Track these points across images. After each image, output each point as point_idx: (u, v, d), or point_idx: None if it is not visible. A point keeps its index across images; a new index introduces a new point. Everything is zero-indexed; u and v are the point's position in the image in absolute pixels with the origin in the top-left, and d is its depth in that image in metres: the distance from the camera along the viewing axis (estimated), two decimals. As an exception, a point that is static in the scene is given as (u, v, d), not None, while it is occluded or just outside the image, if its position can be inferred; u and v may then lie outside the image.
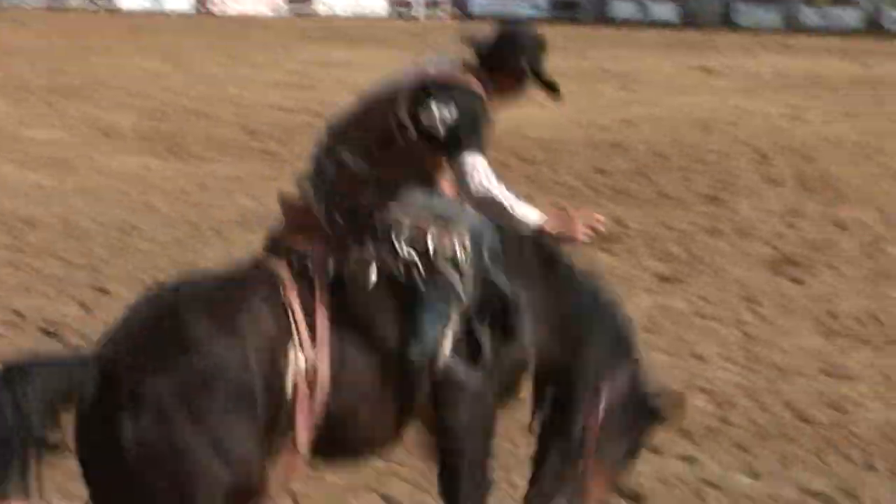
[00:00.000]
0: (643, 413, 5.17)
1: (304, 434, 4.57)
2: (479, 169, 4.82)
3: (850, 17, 40.75)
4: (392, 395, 4.80)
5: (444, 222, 4.94)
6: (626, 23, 42.72)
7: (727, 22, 42.17)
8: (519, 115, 19.78)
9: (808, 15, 41.45)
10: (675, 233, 11.76)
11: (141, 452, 4.31)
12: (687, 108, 20.96)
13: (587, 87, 23.86)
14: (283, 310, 4.64)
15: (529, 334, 4.97)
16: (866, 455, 6.69)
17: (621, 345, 5.19)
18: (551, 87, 5.08)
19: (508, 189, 4.88)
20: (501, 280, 4.93)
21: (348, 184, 4.90)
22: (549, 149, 16.47)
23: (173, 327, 4.50)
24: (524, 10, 48.14)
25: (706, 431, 6.94)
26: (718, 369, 8.06)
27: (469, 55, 5.00)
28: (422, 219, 4.92)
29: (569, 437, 5.10)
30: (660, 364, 8.05)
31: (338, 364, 4.66)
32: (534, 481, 5.18)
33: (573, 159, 15.77)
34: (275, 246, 4.95)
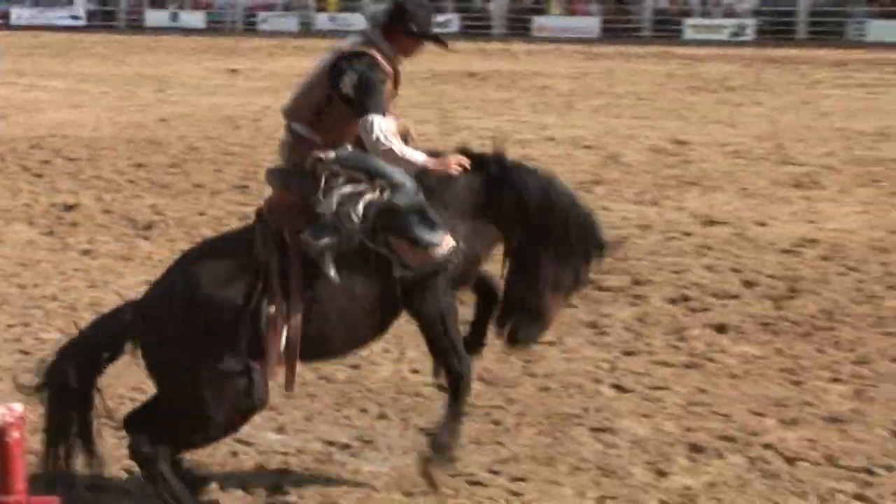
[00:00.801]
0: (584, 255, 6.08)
1: (273, 358, 5.59)
2: (376, 127, 5.56)
3: (357, 20, 41.57)
4: (360, 312, 5.83)
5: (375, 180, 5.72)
6: (159, 30, 42.18)
7: (251, 29, 42.28)
8: (61, 117, 19.11)
9: (322, 20, 42.05)
10: (208, 218, 11.77)
11: (167, 370, 5.64)
12: (217, 106, 20.93)
13: (125, 91, 23.53)
14: (262, 272, 5.65)
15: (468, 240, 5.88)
16: (380, 406, 6.90)
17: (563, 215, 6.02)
18: (438, 41, 5.96)
19: (398, 140, 5.63)
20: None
21: (301, 149, 5.74)
22: (91, 147, 16.13)
23: (185, 288, 5.66)
24: (64, 21, 46.97)
25: (240, 395, 7.01)
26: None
27: (372, 29, 5.78)
28: (358, 181, 5.73)
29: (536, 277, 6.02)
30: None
31: (308, 308, 5.66)
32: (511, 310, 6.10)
33: (114, 156, 15.49)
34: (261, 217, 5.86)
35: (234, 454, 6.21)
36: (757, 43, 35.75)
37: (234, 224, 11.40)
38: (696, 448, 6.19)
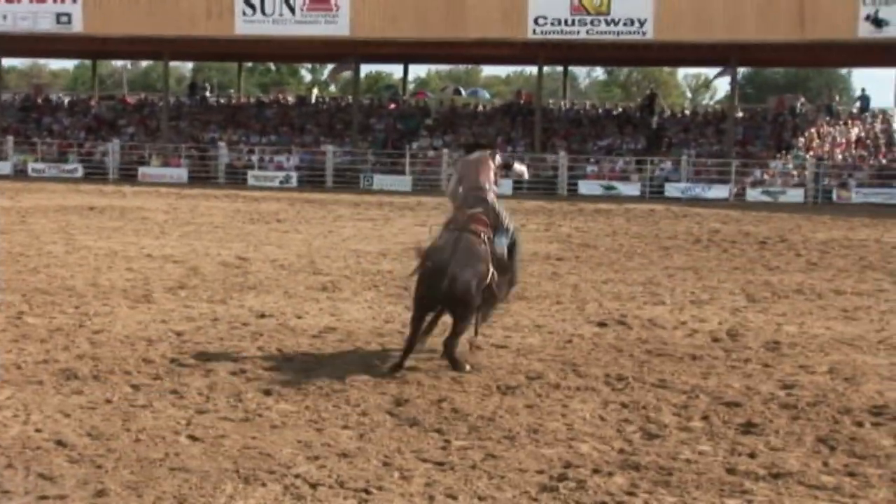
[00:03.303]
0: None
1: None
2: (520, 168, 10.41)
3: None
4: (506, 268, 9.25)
5: (504, 214, 9.32)
6: None
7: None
8: None
9: None
10: None
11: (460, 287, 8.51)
12: None
13: None
14: (486, 249, 8.87)
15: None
16: (8, 458, 6.39)
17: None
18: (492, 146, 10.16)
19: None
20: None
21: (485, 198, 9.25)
22: None
23: (463, 246, 8.70)
24: None
25: None
26: None
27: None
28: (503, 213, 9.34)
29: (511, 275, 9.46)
30: None
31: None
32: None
33: None
34: (456, 223, 9.03)
35: None
36: (299, 189, 36.27)
37: None
38: (246, 479, 6.11)
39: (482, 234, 8.91)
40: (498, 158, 9.71)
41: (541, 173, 36.52)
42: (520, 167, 10.34)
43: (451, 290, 8.41)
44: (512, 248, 9.35)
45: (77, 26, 39.38)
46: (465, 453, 6.66)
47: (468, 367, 8.81)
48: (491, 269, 8.84)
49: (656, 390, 8.40)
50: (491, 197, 9.28)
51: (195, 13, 38.23)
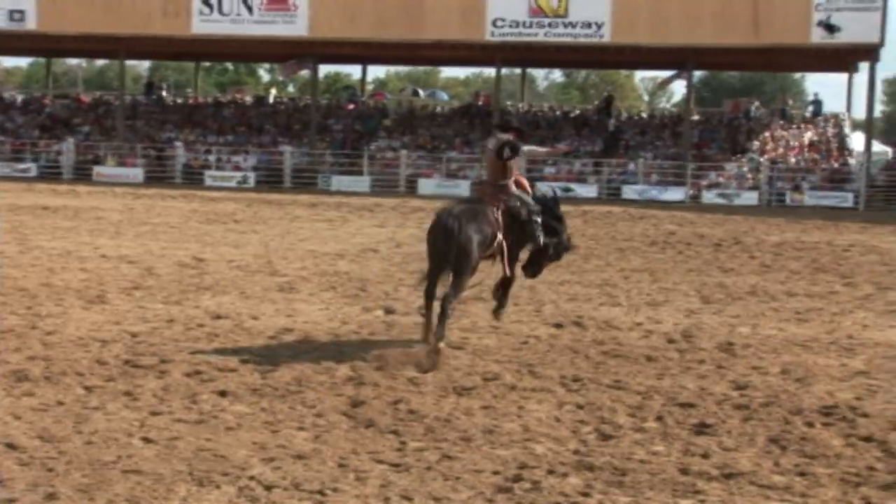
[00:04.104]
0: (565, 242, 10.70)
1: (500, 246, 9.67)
2: (527, 149, 10.61)
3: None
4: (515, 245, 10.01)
5: (528, 199, 10.06)
6: None
7: None
8: None
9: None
10: None
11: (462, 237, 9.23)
12: None
13: None
14: (495, 218, 9.59)
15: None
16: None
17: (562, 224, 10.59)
18: (521, 130, 10.57)
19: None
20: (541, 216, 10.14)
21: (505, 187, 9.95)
22: None
23: (473, 209, 9.55)
24: None
25: None
26: None
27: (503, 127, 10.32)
28: (525, 198, 10.03)
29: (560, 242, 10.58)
30: None
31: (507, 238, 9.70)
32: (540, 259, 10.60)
33: None
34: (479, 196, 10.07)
35: None
36: (256, 189, 36.14)
37: None
38: (200, 481, 6.05)
39: (495, 208, 9.67)
40: (507, 150, 9.88)
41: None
42: (529, 147, 10.66)
43: (454, 241, 9.14)
44: (551, 216, 10.34)
45: (31, 23, 38.91)
46: (420, 455, 6.65)
47: (428, 366, 8.82)
48: (499, 237, 9.59)
49: (611, 391, 8.44)
50: (513, 190, 9.97)
51: (151, 11, 37.92)
